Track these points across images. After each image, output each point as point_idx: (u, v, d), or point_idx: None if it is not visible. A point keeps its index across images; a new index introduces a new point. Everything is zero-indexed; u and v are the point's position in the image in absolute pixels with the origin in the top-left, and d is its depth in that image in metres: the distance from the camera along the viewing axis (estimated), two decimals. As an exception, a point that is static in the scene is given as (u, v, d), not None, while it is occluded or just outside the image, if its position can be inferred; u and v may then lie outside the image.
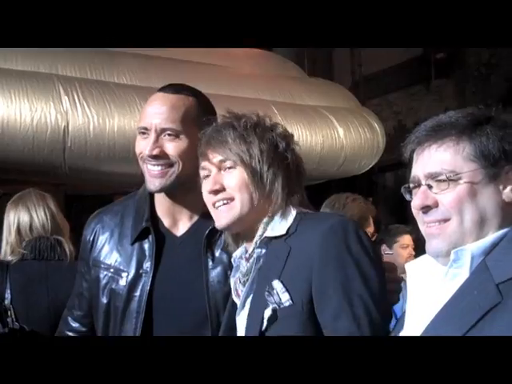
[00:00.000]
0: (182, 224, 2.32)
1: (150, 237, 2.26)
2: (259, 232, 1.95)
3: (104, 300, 2.29)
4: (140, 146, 2.22)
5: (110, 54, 5.22)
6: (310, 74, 7.49)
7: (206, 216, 2.26)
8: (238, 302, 2.00)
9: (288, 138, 2.04)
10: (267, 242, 1.93)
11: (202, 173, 2.01)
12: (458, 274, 1.54)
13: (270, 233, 1.93)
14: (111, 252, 2.32)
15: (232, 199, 1.94)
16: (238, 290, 1.99)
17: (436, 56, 10.74)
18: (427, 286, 1.65)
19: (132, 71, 5.17)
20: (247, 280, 1.95)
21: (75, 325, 2.45)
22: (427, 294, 1.64)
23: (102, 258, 2.33)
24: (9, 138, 4.48)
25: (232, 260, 2.09)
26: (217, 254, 2.25)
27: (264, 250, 1.93)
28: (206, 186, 1.99)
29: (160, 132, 2.17)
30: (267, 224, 1.95)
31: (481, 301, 1.44)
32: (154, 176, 2.19)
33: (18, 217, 3.31)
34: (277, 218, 1.95)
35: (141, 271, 2.25)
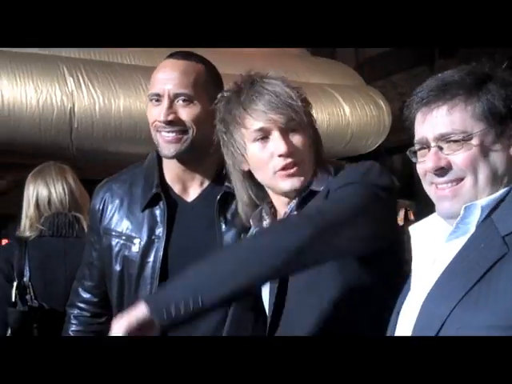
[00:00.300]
0: (192, 190, 2.32)
1: (161, 203, 2.27)
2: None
3: (117, 268, 2.30)
4: (153, 112, 2.21)
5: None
6: (312, 54, 7.46)
7: (216, 181, 2.30)
8: None
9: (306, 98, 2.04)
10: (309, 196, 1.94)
11: (258, 135, 1.94)
12: (466, 230, 1.55)
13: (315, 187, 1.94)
14: (122, 219, 2.32)
15: (302, 162, 1.92)
16: None
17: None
18: (432, 246, 1.66)
19: (135, 51, 5.17)
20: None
21: (86, 295, 2.45)
22: (433, 254, 1.65)
23: (112, 226, 2.33)
24: (15, 120, 4.49)
25: (251, 220, 2.08)
26: (229, 217, 2.26)
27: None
28: (272, 149, 1.92)
29: (173, 97, 2.17)
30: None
31: (488, 253, 1.45)
32: (168, 142, 2.19)
33: (36, 191, 3.31)
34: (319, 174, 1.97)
35: (153, 237, 2.26)
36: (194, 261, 2.20)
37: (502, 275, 1.41)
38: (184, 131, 2.19)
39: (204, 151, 2.27)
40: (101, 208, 2.36)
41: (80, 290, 2.46)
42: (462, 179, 1.56)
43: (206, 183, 2.32)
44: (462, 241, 1.55)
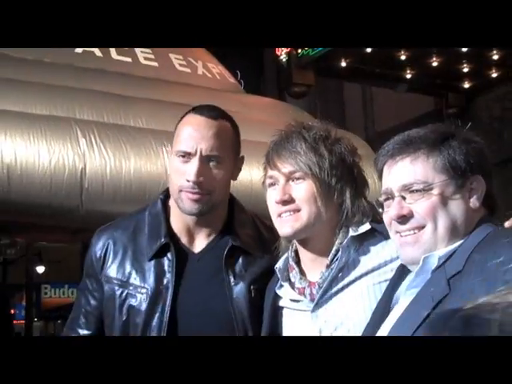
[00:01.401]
0: (199, 241, 2.34)
1: (170, 253, 2.26)
2: (338, 240, 2.02)
3: (122, 317, 2.27)
4: (180, 169, 2.21)
5: (126, 99, 5.33)
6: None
7: (222, 234, 2.33)
8: (306, 305, 2.03)
9: (354, 151, 2.11)
10: (350, 242, 2.00)
11: (268, 181, 2.06)
12: (424, 279, 1.65)
13: (352, 233, 2.00)
14: (126, 268, 2.30)
15: (299, 210, 2.00)
16: (314, 294, 2.02)
17: (448, 111, 10.89)
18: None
19: (148, 115, 5.25)
20: (330, 282, 1.99)
21: None
22: (400, 300, 1.75)
23: (116, 275, 2.30)
24: (27, 179, 4.52)
25: (277, 270, 2.12)
26: (237, 270, 2.27)
27: (348, 251, 1.99)
28: (274, 195, 2.03)
29: (205, 159, 2.18)
30: (346, 230, 2.01)
31: (434, 294, 1.57)
32: (194, 201, 2.21)
33: None
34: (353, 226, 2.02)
35: (161, 287, 2.24)
36: (202, 313, 2.23)
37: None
38: (209, 191, 2.21)
39: (218, 208, 2.32)
40: (103, 255, 2.33)
41: None
42: (422, 227, 1.66)
43: (213, 236, 2.34)
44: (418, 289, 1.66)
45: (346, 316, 1.97)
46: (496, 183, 1.72)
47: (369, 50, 9.69)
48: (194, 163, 2.17)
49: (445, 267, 1.61)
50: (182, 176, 2.20)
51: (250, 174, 4.55)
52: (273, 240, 2.21)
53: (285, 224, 2.01)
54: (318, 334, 2.00)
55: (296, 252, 2.13)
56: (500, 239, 1.57)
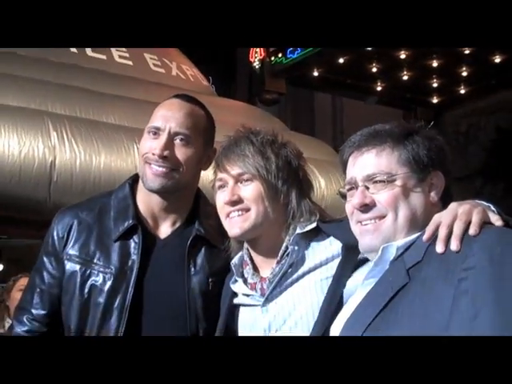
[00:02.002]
0: (164, 228, 2.38)
1: (136, 235, 2.29)
2: (287, 238, 2.09)
3: (82, 295, 2.27)
4: (148, 144, 2.28)
5: (99, 95, 5.35)
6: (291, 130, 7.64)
7: (187, 223, 2.38)
8: (257, 300, 2.11)
9: (300, 155, 2.19)
10: (298, 239, 2.08)
11: (218, 183, 2.14)
12: (383, 269, 1.71)
13: (299, 230, 2.08)
14: (91, 248, 2.31)
15: (248, 210, 2.08)
16: (264, 289, 2.09)
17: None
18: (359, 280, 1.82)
19: (120, 112, 5.28)
20: (280, 277, 2.07)
21: (34, 325, 2.35)
22: (357, 287, 1.81)
23: (79, 253, 2.31)
24: (-4, 169, 4.53)
25: (232, 265, 2.19)
26: (199, 261, 2.32)
27: (297, 247, 2.07)
28: (223, 197, 2.11)
29: (173, 135, 2.26)
30: (294, 229, 2.09)
31: (393, 284, 1.63)
32: (157, 175, 2.26)
33: None
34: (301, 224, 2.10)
35: (125, 268, 2.27)
36: (161, 299, 2.27)
37: (402, 301, 1.58)
38: (174, 169, 2.26)
39: (185, 192, 2.36)
40: (66, 234, 2.32)
41: (26, 319, 2.35)
42: (383, 216, 1.72)
43: (178, 223, 2.37)
44: (380, 274, 1.71)
45: (294, 309, 2.05)
46: (461, 197, 1.75)
47: (341, 60, 9.81)
48: (162, 138, 2.24)
49: (403, 257, 1.66)
50: (149, 150, 2.26)
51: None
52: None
53: (234, 225, 2.08)
54: (267, 328, 2.08)
55: None
56: None
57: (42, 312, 2.35)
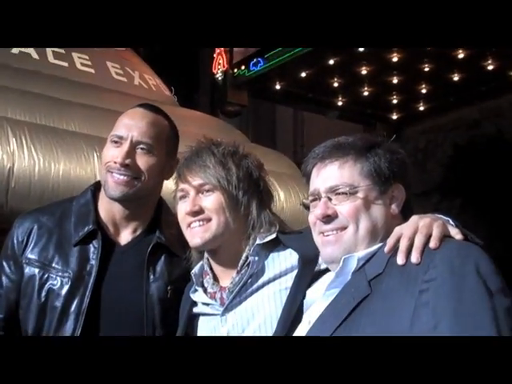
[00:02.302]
0: (124, 235, 2.40)
1: (95, 240, 2.31)
2: (247, 247, 2.12)
3: (40, 299, 2.28)
4: (110, 153, 2.31)
5: (60, 102, 5.31)
6: (252, 142, 7.67)
7: (148, 231, 2.41)
8: (216, 309, 2.13)
9: (260, 167, 2.23)
10: (259, 250, 2.10)
11: (179, 194, 2.16)
12: (344, 280, 1.74)
13: (259, 241, 2.10)
14: (50, 251, 2.32)
15: (209, 220, 2.10)
16: (224, 298, 2.12)
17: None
18: (320, 292, 1.84)
19: (81, 120, 5.24)
20: (240, 287, 2.09)
21: None
22: (319, 301, 1.82)
23: (38, 257, 2.31)
24: (-48, 174, 4.46)
25: (192, 275, 2.21)
26: (158, 268, 2.35)
27: (257, 257, 2.10)
28: (184, 207, 2.13)
29: (135, 144, 2.29)
30: (254, 239, 2.12)
31: (355, 295, 1.65)
32: (118, 183, 2.29)
33: None
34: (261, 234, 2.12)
35: (84, 272, 2.28)
36: (119, 304, 2.27)
37: (363, 312, 1.60)
38: (135, 178, 2.30)
39: (146, 201, 2.39)
40: (25, 238, 2.33)
41: None
42: (345, 228, 1.76)
43: (139, 231, 2.40)
44: (341, 285, 1.73)
45: (252, 319, 2.08)
46: (419, 213, 1.79)
47: (303, 74, 9.89)
48: (124, 147, 2.27)
49: (365, 269, 1.70)
50: (111, 159, 2.29)
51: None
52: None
53: (195, 235, 2.11)
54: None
55: None
56: None
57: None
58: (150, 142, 2.31)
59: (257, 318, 2.07)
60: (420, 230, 1.64)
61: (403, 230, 1.68)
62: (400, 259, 1.61)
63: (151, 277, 2.33)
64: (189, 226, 2.12)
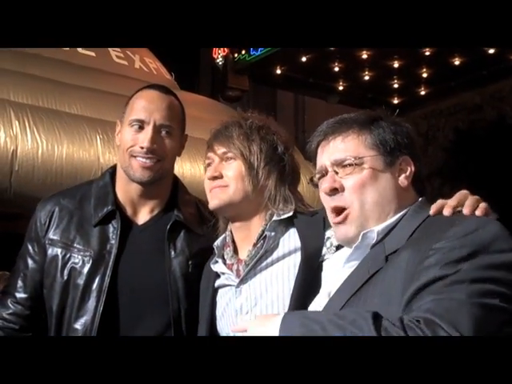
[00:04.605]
0: (142, 215, 2.47)
1: (115, 220, 2.38)
2: (264, 222, 2.17)
3: (62, 277, 2.36)
4: (132, 137, 2.36)
5: (62, 85, 5.30)
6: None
7: (165, 210, 2.48)
8: (232, 280, 2.18)
9: (288, 143, 2.27)
10: (275, 226, 2.14)
11: (206, 162, 2.25)
12: (363, 253, 1.73)
13: (276, 217, 2.14)
14: (71, 233, 2.39)
15: (226, 186, 2.16)
16: (240, 271, 2.18)
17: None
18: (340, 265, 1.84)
19: (83, 103, 5.24)
20: (255, 261, 2.13)
21: (17, 308, 2.42)
22: (339, 273, 1.81)
23: (61, 238, 2.39)
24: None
25: (215, 246, 2.27)
26: (178, 245, 2.42)
27: (273, 233, 2.14)
28: (207, 173, 2.22)
29: (158, 127, 2.35)
30: (271, 215, 2.16)
31: (370, 268, 1.66)
32: (145, 167, 2.35)
33: None
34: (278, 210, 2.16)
35: (104, 252, 2.36)
36: (141, 281, 2.35)
37: (374, 282, 1.61)
38: (159, 159, 2.36)
39: (164, 180, 2.46)
40: (47, 220, 2.41)
41: (10, 302, 2.44)
42: (350, 206, 1.75)
43: (156, 210, 2.46)
44: (357, 262, 1.73)
45: (266, 292, 2.11)
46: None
47: (304, 59, 9.87)
48: (149, 131, 2.34)
49: (384, 243, 1.69)
50: (134, 143, 2.35)
51: (182, 167, 4.62)
52: (213, 222, 2.36)
53: (213, 197, 2.18)
54: (239, 309, 2.15)
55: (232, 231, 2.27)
56: (437, 222, 1.66)
57: (25, 295, 2.43)
58: (171, 125, 2.38)
59: (270, 292, 2.11)
60: (470, 197, 1.70)
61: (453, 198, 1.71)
62: (447, 211, 1.66)
63: (172, 253, 2.39)
64: (210, 190, 2.19)
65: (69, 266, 2.35)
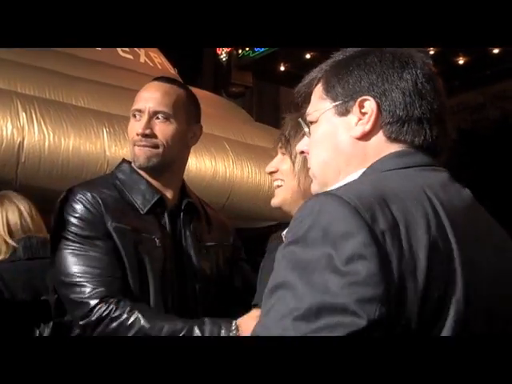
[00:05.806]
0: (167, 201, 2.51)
1: (159, 207, 2.43)
2: None
3: (140, 261, 2.30)
4: (133, 127, 2.43)
5: (69, 77, 5.31)
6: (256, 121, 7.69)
7: (180, 198, 2.54)
8: None
9: None
10: None
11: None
12: None
13: None
14: (129, 219, 2.35)
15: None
16: None
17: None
18: None
19: (90, 96, 5.25)
20: None
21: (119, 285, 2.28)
22: None
23: (125, 224, 2.32)
24: (-38, 148, 4.46)
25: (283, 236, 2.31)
26: (193, 228, 2.53)
27: None
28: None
29: (152, 114, 2.39)
30: None
31: None
32: (142, 152, 2.39)
33: (5, 213, 3.25)
34: None
35: (164, 235, 2.40)
36: (184, 261, 2.43)
37: None
38: (156, 145, 2.38)
39: (174, 169, 2.50)
40: (102, 210, 2.31)
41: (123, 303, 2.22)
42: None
43: (176, 197, 2.52)
44: None
45: None
46: None
47: (308, 56, 9.87)
48: (143, 119, 2.38)
49: None
50: (134, 132, 2.41)
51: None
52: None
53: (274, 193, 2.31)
54: None
55: None
56: None
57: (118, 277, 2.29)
58: (166, 111, 2.39)
59: None
60: None
61: None
62: None
63: (189, 236, 2.48)
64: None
65: (144, 249, 2.30)
